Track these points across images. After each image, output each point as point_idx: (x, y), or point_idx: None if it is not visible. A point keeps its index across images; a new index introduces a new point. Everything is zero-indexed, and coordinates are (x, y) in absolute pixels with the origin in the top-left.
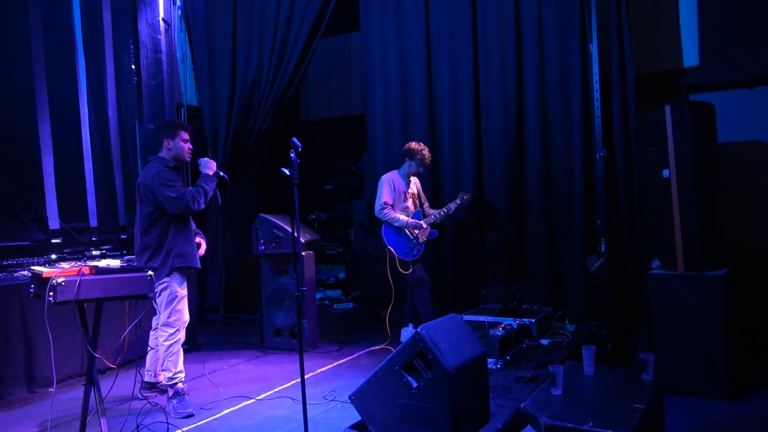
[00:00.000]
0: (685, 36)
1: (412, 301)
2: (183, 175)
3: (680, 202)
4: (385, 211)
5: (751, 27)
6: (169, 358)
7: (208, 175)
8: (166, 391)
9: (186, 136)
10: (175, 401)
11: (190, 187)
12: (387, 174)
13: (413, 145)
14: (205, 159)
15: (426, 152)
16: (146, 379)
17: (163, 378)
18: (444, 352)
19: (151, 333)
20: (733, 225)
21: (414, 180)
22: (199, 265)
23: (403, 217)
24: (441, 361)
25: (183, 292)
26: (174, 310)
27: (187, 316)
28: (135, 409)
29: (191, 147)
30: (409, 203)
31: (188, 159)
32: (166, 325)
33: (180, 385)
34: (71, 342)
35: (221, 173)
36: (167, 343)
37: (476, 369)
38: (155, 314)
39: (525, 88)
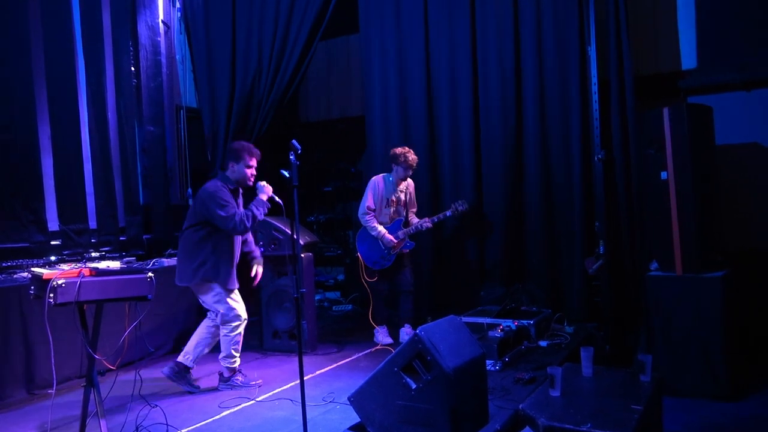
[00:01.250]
0: (683, 38)
1: (405, 302)
2: (241, 197)
3: (678, 204)
4: (367, 217)
5: (749, 29)
6: (233, 347)
7: (262, 200)
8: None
9: (251, 162)
10: (240, 378)
11: (242, 210)
12: (375, 177)
13: (396, 149)
14: (262, 184)
15: (410, 155)
16: (180, 359)
17: (225, 363)
18: (443, 353)
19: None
20: (731, 227)
21: (406, 184)
22: (230, 286)
23: (380, 229)
24: (440, 362)
25: (227, 290)
26: (228, 307)
27: (240, 310)
28: (134, 410)
29: (255, 173)
30: (392, 209)
31: (249, 185)
32: (229, 321)
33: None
34: (70, 344)
35: (276, 198)
36: (233, 333)
37: (475, 370)
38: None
39: (524, 90)
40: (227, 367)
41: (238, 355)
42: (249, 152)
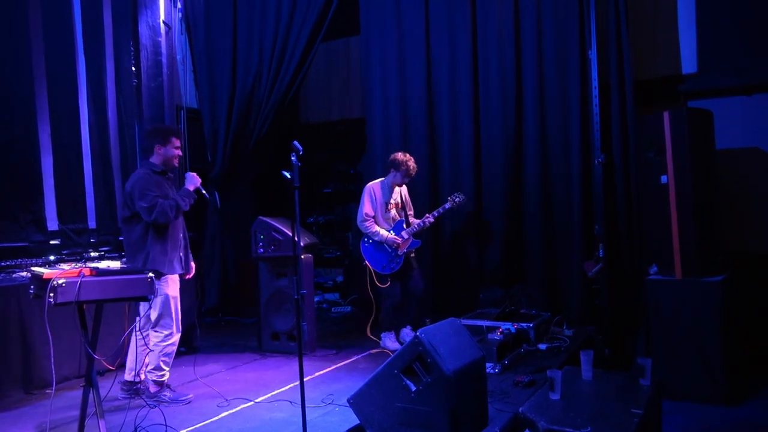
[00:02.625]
0: (684, 42)
1: (412, 305)
2: (170, 179)
3: (678, 207)
4: (366, 223)
5: (749, 34)
6: (162, 358)
7: (188, 190)
8: (145, 390)
9: (177, 143)
10: (168, 393)
11: (162, 200)
12: (369, 184)
13: (398, 155)
14: (191, 174)
15: (411, 163)
16: (127, 377)
17: (152, 376)
18: (443, 355)
19: (137, 333)
20: (731, 231)
21: (400, 189)
22: (171, 272)
23: (383, 232)
24: (440, 364)
25: (172, 293)
26: (166, 312)
27: (179, 318)
28: (133, 411)
29: (180, 154)
30: (392, 213)
31: (175, 165)
32: (161, 328)
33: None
34: (68, 343)
35: (202, 190)
36: (164, 343)
37: (475, 373)
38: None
39: (524, 93)
40: (154, 381)
41: (167, 368)
42: (174, 133)
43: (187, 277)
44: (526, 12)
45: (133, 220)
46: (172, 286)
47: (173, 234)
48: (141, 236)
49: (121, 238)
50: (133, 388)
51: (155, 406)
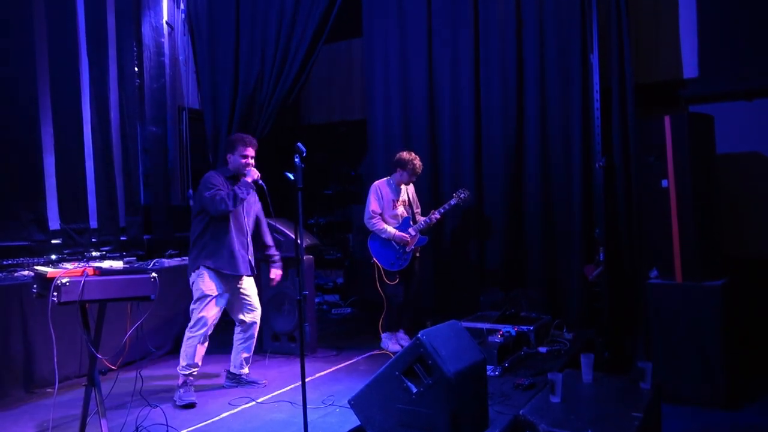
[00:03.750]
0: (685, 47)
1: (408, 310)
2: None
3: (678, 212)
4: (373, 221)
5: (751, 39)
6: (187, 350)
7: (246, 181)
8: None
9: (244, 151)
10: (182, 390)
11: (222, 191)
12: (376, 182)
13: (404, 154)
14: (250, 168)
15: (416, 162)
16: (231, 369)
17: (178, 368)
18: (444, 357)
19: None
20: (732, 235)
21: (406, 187)
22: (231, 271)
23: (390, 229)
24: (441, 366)
25: (208, 290)
26: (197, 306)
27: (211, 314)
28: (135, 410)
29: (248, 162)
30: (399, 210)
31: (246, 173)
32: (191, 318)
33: (191, 377)
34: (70, 343)
35: (260, 182)
36: (189, 334)
37: (476, 375)
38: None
39: (525, 96)
40: (181, 373)
41: (187, 362)
42: (242, 142)
43: (272, 278)
44: (528, 14)
45: (199, 215)
46: (208, 283)
47: (237, 234)
48: (202, 229)
49: (123, 238)
50: (235, 379)
51: (156, 406)
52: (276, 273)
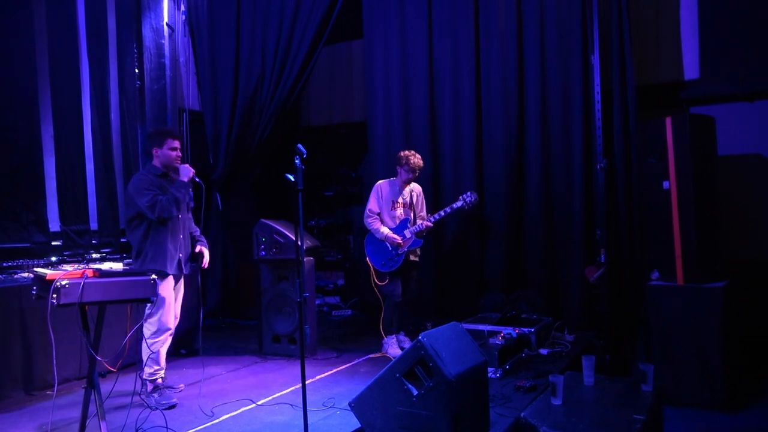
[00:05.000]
0: (686, 48)
1: (406, 311)
2: (174, 180)
3: (680, 213)
4: (369, 220)
5: (752, 41)
6: (151, 356)
7: (183, 182)
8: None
9: (173, 143)
10: (156, 395)
11: (161, 196)
12: (379, 182)
13: (401, 152)
14: (183, 165)
15: (413, 158)
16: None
17: (144, 374)
18: (445, 360)
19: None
20: (733, 237)
21: (412, 188)
22: (173, 271)
23: (384, 230)
24: (442, 368)
25: (163, 294)
26: (154, 311)
27: (169, 317)
28: (135, 412)
29: (179, 154)
30: (398, 211)
31: (176, 166)
32: (151, 325)
33: (160, 380)
34: (69, 345)
35: (197, 179)
36: (151, 341)
37: (477, 377)
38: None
39: (526, 98)
40: (147, 380)
41: (155, 367)
42: (170, 134)
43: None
44: (529, 16)
45: (134, 221)
46: (164, 285)
47: (173, 234)
48: (142, 236)
49: (123, 240)
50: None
51: (156, 408)
52: (200, 248)
